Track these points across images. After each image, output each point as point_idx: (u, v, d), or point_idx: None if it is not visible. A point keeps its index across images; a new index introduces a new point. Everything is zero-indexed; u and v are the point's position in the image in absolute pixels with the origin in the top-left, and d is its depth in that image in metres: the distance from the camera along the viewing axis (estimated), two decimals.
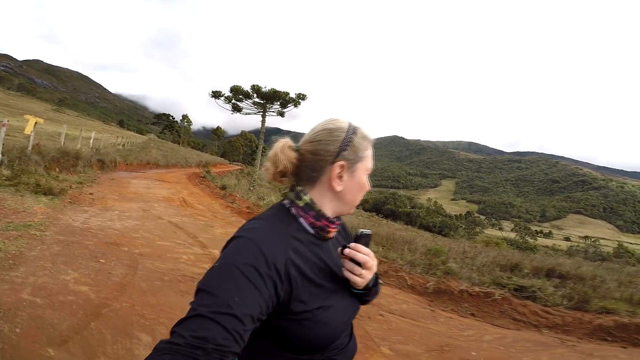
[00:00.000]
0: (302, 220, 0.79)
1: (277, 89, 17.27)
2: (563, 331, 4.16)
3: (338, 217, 0.84)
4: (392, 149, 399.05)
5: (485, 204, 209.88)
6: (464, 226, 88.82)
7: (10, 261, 3.35)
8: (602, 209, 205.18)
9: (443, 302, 4.61)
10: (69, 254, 3.86)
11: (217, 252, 4.85)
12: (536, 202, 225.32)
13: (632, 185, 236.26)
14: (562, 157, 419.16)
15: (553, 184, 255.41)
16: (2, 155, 7.80)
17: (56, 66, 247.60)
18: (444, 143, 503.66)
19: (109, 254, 4.08)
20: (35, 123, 9.53)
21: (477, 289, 4.87)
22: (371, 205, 65.93)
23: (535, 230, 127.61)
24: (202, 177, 18.41)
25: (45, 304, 2.70)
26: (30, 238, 4.11)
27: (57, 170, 9.63)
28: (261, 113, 18.09)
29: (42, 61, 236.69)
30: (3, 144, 7.89)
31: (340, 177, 0.79)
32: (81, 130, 15.20)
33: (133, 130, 69.62)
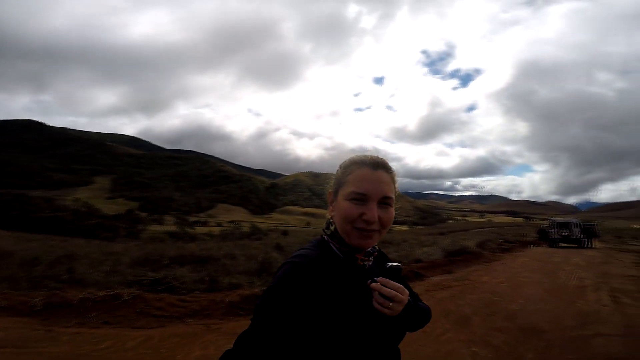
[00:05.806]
0: (332, 246, 0.91)
1: None
2: (204, 316, 4.26)
3: (373, 248, 0.93)
4: (26, 137, 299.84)
5: (146, 200, 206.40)
6: (124, 226, 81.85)
7: None
8: (239, 198, 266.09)
9: (63, 318, 3.97)
10: None
11: None
12: (192, 195, 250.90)
13: (257, 180, 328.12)
14: (212, 157, 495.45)
15: (205, 179, 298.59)
16: None
17: None
18: (101, 135, 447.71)
19: None
20: None
21: (102, 293, 4.36)
22: None
23: (194, 220, 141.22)
24: None
25: None
26: None
27: None
28: None
29: None
30: None
31: (331, 204, 0.93)
32: None
33: None
